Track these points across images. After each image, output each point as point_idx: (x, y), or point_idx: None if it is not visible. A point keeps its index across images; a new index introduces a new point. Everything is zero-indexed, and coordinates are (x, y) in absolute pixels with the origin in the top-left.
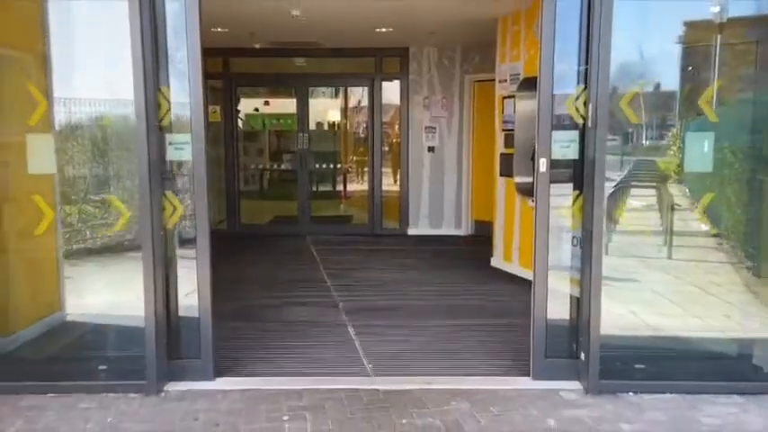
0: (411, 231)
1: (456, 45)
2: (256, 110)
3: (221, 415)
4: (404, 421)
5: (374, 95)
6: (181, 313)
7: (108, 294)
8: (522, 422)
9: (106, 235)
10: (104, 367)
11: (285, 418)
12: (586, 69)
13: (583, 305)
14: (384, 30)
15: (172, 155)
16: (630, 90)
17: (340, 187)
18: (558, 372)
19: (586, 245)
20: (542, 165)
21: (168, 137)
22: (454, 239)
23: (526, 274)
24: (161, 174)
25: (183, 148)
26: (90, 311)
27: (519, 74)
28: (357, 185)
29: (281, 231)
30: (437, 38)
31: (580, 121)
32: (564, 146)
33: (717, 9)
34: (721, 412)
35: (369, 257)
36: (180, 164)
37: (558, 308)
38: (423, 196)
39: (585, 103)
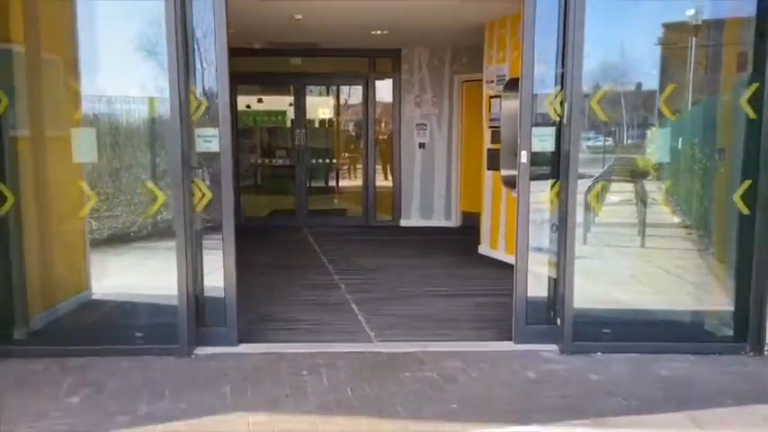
0: (403, 223)
1: (446, 47)
2: (248, 107)
3: (247, 371)
4: (407, 374)
5: (368, 94)
6: (207, 286)
7: (143, 271)
8: (507, 374)
9: (139, 219)
10: (140, 334)
11: (304, 372)
12: (563, 72)
13: (559, 278)
14: (378, 32)
15: (201, 147)
16: (600, 91)
17: (335, 182)
18: (538, 337)
19: (562, 226)
20: (524, 156)
21: (198, 131)
22: (444, 230)
23: (511, 259)
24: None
25: (212, 141)
26: (130, 287)
27: (505, 75)
28: (352, 180)
29: (280, 224)
30: (428, 40)
31: (557, 119)
32: (543, 140)
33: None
34: (675, 367)
35: (364, 246)
36: (208, 155)
37: (539, 285)
38: (414, 189)
39: (562, 103)
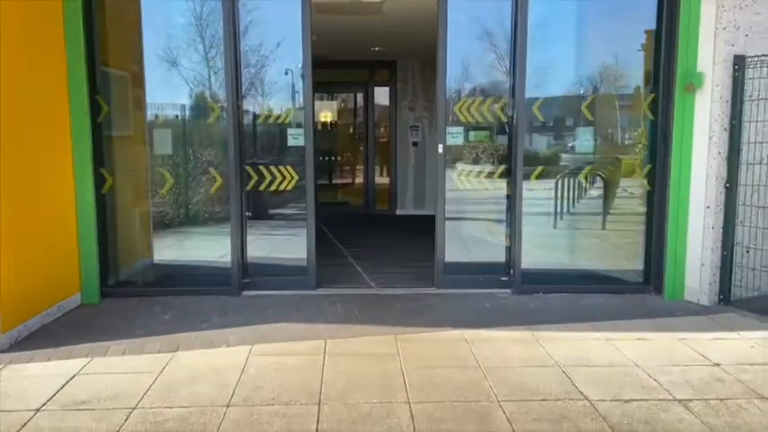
0: (399, 212)
1: (434, 59)
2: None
3: (282, 303)
4: (398, 305)
5: (368, 100)
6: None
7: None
8: (472, 304)
9: (203, 197)
10: (204, 280)
11: (325, 304)
12: (513, 84)
13: (512, 244)
14: (377, 48)
15: (291, 142)
16: (539, 98)
17: (339, 177)
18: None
19: (513, 203)
20: (440, 148)
21: (289, 131)
22: (434, 218)
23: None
24: (244, 154)
25: (299, 138)
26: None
27: None
28: (354, 175)
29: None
30: (418, 54)
31: (507, 120)
32: (455, 137)
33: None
34: (594, 300)
35: (365, 230)
36: (296, 148)
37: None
38: (408, 183)
39: (511, 107)
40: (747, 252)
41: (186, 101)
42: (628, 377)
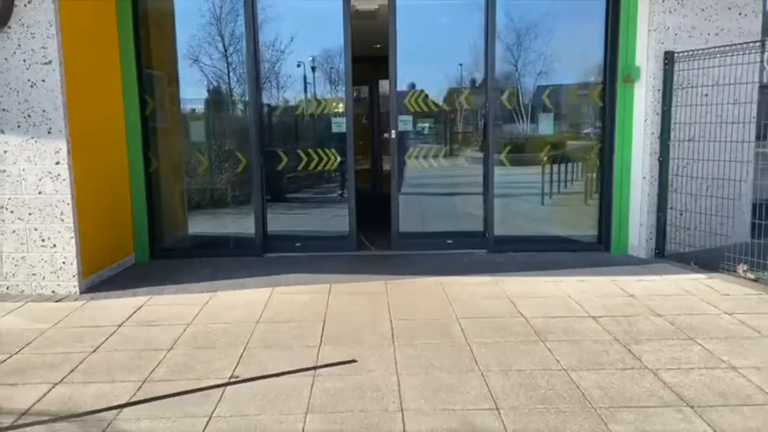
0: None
1: None
2: None
3: (297, 262)
4: (391, 262)
5: (374, 92)
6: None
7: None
8: (453, 260)
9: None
10: (233, 246)
11: (332, 262)
12: (485, 78)
13: (486, 213)
14: (378, 46)
15: (335, 129)
16: (507, 89)
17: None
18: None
19: (486, 180)
20: (393, 134)
21: (333, 119)
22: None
23: None
24: (263, 141)
25: (341, 125)
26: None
27: None
28: (363, 162)
29: None
30: None
31: (480, 110)
32: (405, 123)
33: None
34: (553, 256)
35: (371, 208)
36: (339, 134)
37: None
38: None
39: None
40: (681, 214)
41: (213, 96)
42: (560, 304)
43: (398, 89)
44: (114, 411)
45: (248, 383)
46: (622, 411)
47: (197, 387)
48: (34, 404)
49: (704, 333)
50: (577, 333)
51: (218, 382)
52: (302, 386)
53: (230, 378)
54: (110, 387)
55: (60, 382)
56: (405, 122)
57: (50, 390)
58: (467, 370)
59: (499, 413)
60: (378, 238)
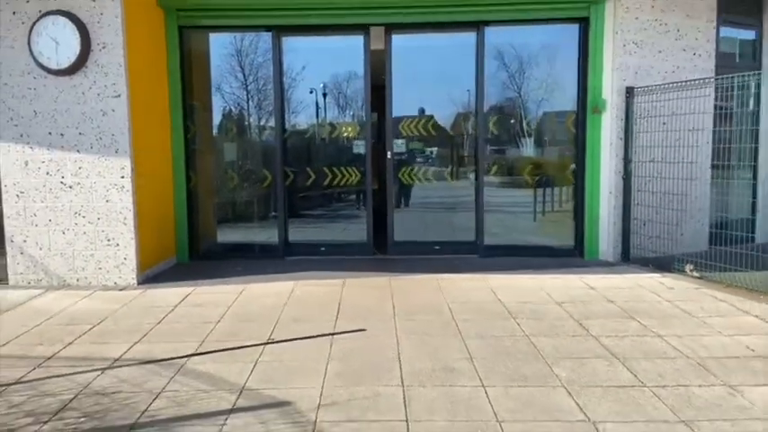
0: None
1: None
2: None
3: (316, 263)
4: (395, 263)
5: (380, 117)
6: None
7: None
8: (448, 262)
9: (258, 191)
10: (258, 251)
11: (344, 262)
12: (476, 107)
13: (477, 224)
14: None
15: (355, 150)
16: (493, 117)
17: None
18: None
19: (477, 195)
20: (389, 154)
21: (354, 142)
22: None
23: None
24: (285, 161)
25: (360, 147)
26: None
27: None
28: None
29: None
30: None
31: (472, 132)
32: (399, 147)
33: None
34: (536, 260)
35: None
36: (359, 155)
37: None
38: None
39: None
40: (644, 225)
41: (243, 122)
42: (533, 293)
43: (395, 115)
44: (184, 359)
45: (282, 343)
46: (565, 360)
47: (244, 344)
48: (122, 354)
49: (644, 314)
50: (542, 313)
51: (259, 341)
52: (323, 344)
53: (268, 339)
54: (177, 345)
55: (138, 341)
56: (399, 146)
57: (132, 346)
58: (451, 336)
59: (472, 361)
60: (383, 245)
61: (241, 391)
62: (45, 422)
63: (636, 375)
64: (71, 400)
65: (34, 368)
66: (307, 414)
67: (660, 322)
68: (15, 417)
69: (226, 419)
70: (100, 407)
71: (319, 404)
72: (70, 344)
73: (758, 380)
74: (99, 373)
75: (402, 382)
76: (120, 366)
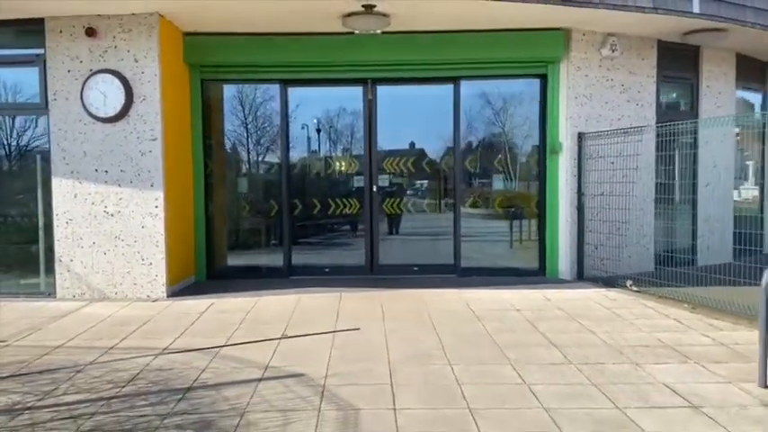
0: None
1: None
2: None
3: (319, 280)
4: (385, 280)
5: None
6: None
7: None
8: (431, 281)
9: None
10: (265, 271)
11: (342, 280)
12: (453, 146)
13: (455, 248)
14: None
15: (356, 184)
16: (469, 156)
17: None
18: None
19: (455, 224)
20: (374, 188)
21: (354, 178)
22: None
23: None
24: (291, 193)
25: (360, 181)
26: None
27: None
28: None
29: None
30: None
31: (448, 170)
32: (383, 181)
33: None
34: (505, 279)
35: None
36: (359, 188)
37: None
38: None
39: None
40: (596, 249)
41: (254, 158)
42: (498, 303)
43: (380, 149)
44: (218, 349)
45: (294, 338)
46: (516, 348)
47: (264, 338)
48: (168, 345)
49: (585, 317)
50: (504, 317)
51: (276, 337)
52: (327, 338)
53: (282, 335)
54: (211, 339)
55: (179, 337)
56: (383, 180)
57: (175, 340)
58: (428, 332)
59: (444, 350)
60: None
61: (266, 367)
62: (122, 386)
63: (566, 357)
64: (138, 374)
65: (102, 354)
66: (317, 380)
67: (596, 323)
68: (100, 383)
69: (258, 384)
70: (161, 378)
71: (326, 374)
72: (124, 338)
73: (658, 360)
74: (153, 357)
75: (389, 363)
76: (169, 353)
